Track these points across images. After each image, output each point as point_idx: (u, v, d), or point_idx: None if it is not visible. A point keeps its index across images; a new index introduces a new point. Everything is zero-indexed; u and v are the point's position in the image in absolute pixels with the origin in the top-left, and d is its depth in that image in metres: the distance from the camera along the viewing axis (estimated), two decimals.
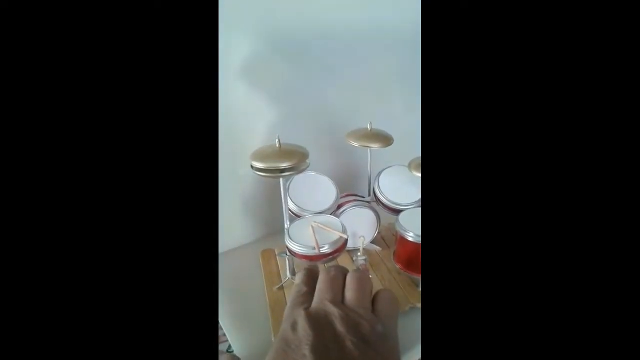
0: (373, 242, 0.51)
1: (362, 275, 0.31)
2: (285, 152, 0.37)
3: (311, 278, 0.32)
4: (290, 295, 0.31)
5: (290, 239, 0.38)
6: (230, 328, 0.40)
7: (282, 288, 0.44)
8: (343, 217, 0.46)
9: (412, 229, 0.41)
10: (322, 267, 0.33)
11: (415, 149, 0.48)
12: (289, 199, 0.44)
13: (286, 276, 0.44)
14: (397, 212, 0.46)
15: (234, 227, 0.52)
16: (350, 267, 0.47)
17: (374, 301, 0.30)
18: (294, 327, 0.27)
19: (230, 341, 0.39)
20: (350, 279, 0.31)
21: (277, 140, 0.37)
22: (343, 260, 0.48)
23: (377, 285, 0.44)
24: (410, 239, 0.40)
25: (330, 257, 0.38)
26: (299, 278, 0.32)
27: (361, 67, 0.51)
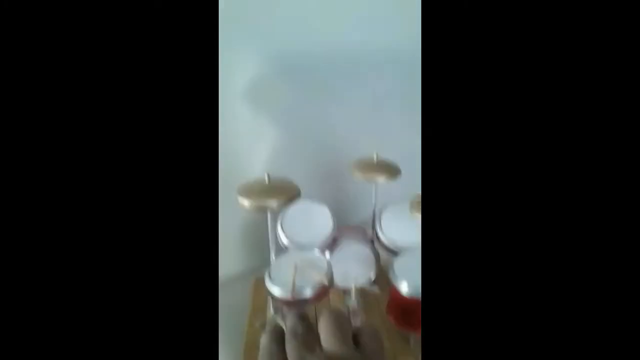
0: (374, 281, 0.47)
1: (336, 314, 0.28)
2: (273, 187, 0.35)
3: (280, 335, 0.29)
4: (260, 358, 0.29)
5: (270, 278, 0.35)
6: None
7: (263, 325, 0.41)
8: (337, 253, 0.43)
9: (407, 277, 0.36)
10: (289, 320, 0.30)
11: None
12: (280, 230, 0.42)
13: (270, 312, 0.42)
14: (397, 254, 0.42)
15: (232, 254, 0.51)
16: (341, 308, 0.44)
17: (356, 338, 0.27)
18: None
19: None
20: (324, 322, 0.28)
21: (266, 176, 0.35)
22: (335, 301, 0.45)
23: None
24: (404, 292, 0.36)
25: (309, 301, 0.35)
26: (264, 339, 0.30)
27: (365, 89, 0.48)
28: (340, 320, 0.28)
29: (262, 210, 0.33)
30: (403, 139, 0.57)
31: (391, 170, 0.44)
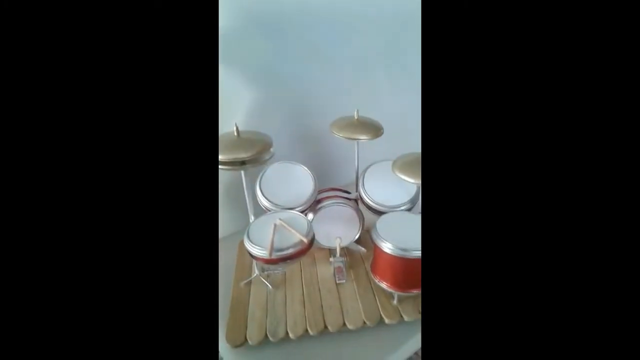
0: (357, 241, 0.46)
1: None
2: (245, 141, 0.33)
3: None
4: None
5: (248, 238, 0.35)
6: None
7: (249, 283, 0.41)
8: (320, 214, 0.42)
9: (390, 238, 0.36)
10: None
11: (406, 135, 0.42)
12: (259, 191, 0.41)
13: (255, 271, 0.42)
14: (381, 214, 0.42)
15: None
16: (327, 267, 0.44)
17: None
18: None
19: None
20: None
21: (234, 128, 0.33)
22: (321, 259, 0.45)
23: (351, 292, 0.40)
24: (388, 251, 0.35)
25: (289, 260, 0.34)
26: None
27: (347, 45, 0.45)
28: None
29: (234, 165, 0.31)
30: (387, 98, 0.55)
31: (373, 128, 0.42)
